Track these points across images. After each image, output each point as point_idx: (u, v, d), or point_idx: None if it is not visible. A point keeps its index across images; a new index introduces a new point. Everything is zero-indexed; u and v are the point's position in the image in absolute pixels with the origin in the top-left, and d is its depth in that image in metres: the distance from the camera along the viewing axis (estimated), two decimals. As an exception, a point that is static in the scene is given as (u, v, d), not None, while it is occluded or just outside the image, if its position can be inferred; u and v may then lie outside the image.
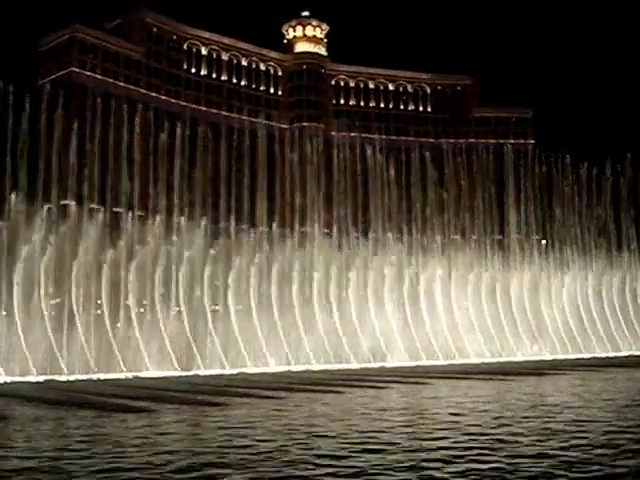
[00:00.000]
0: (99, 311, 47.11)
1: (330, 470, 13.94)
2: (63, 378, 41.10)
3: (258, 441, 17.79)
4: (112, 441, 18.10)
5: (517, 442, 17.08)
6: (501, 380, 38.65)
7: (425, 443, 17.10)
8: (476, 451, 15.91)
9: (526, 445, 16.65)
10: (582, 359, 62.34)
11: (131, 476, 13.58)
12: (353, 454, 15.65)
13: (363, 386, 34.80)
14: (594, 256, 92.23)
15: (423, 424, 21.00)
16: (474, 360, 57.99)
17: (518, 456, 15.28)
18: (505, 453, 15.59)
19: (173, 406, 26.08)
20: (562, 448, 16.30)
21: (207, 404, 26.58)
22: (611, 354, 69.22)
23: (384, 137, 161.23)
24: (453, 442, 17.28)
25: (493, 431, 19.21)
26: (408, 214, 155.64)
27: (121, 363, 43.69)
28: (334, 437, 18.18)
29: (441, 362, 55.93)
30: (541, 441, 17.22)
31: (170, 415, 23.90)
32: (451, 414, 23.54)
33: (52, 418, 23.11)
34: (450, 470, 13.83)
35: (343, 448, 16.41)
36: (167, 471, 14.05)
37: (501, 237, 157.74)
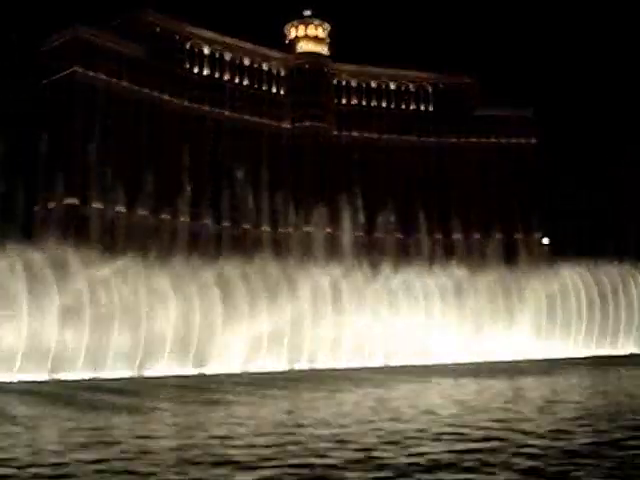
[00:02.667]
0: None
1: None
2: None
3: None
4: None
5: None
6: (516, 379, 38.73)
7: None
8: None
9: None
10: (582, 358, 62.53)
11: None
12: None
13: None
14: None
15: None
16: (478, 359, 58.28)
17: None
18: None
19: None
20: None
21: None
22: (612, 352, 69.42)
23: (386, 136, 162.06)
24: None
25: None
26: (410, 215, 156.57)
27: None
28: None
29: (444, 362, 56.19)
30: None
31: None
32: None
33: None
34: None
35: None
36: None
37: (502, 236, 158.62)
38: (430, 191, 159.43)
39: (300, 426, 19.76)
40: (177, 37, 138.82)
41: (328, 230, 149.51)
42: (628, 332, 68.64)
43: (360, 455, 15.15)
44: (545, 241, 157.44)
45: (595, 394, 29.43)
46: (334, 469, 13.85)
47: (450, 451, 15.51)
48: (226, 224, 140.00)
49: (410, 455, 15.13)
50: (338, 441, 16.83)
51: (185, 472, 13.76)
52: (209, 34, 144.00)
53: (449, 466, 14.01)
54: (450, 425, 19.36)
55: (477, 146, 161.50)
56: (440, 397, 29.10)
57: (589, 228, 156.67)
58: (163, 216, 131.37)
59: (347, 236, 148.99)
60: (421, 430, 18.54)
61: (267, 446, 16.35)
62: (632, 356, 63.28)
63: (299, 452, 15.54)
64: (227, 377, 40.92)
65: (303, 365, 49.59)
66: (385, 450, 15.75)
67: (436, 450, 15.62)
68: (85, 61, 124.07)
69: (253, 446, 16.55)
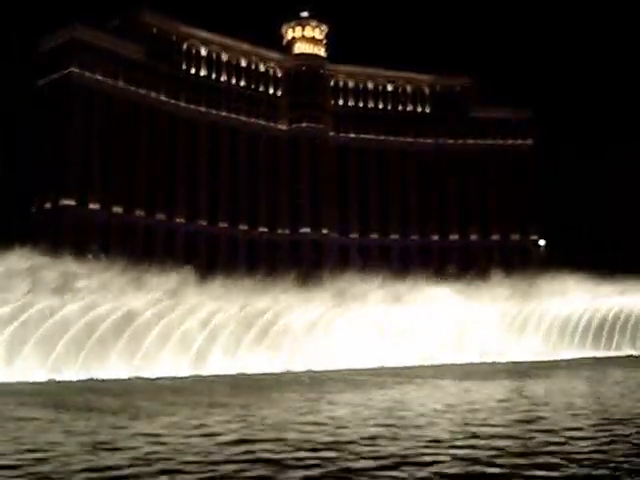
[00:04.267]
0: None
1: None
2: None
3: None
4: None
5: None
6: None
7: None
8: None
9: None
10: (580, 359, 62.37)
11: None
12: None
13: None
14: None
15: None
16: (476, 360, 58.07)
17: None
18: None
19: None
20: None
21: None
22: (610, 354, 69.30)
23: (383, 138, 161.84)
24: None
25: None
26: (409, 216, 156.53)
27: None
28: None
29: (444, 362, 55.98)
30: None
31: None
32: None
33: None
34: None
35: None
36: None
37: (499, 237, 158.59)
38: (427, 193, 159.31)
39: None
40: (174, 38, 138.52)
41: (324, 232, 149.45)
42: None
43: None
44: (541, 243, 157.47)
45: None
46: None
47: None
48: (223, 225, 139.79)
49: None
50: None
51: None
52: (206, 35, 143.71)
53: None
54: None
55: (474, 147, 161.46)
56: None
57: (587, 229, 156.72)
58: (159, 217, 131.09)
59: (342, 238, 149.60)
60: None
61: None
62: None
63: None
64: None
65: (300, 367, 49.34)
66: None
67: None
68: (82, 62, 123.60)
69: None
